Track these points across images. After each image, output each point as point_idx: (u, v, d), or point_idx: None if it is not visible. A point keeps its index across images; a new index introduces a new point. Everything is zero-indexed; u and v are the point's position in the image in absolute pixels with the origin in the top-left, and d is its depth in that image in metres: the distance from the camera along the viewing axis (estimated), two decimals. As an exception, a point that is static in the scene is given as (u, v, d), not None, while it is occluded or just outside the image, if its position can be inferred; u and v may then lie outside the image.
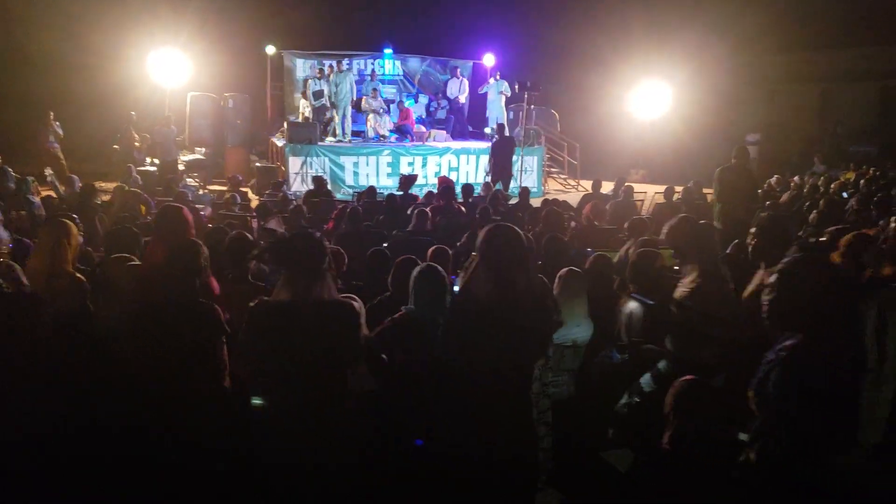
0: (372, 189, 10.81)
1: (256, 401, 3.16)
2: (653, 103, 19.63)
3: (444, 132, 18.46)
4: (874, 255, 4.37)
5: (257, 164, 16.39)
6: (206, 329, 3.27)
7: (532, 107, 17.86)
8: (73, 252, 3.79)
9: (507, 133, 14.70)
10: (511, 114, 18.44)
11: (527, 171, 16.89)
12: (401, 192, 11.25)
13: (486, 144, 15.97)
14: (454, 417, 3.09)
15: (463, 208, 9.87)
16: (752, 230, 4.75)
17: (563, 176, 19.11)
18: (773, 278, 2.60)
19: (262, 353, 3.07)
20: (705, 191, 11.98)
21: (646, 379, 3.71)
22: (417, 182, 15.05)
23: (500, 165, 13.61)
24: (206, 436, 3.26)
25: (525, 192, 10.58)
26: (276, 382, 3.08)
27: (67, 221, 3.86)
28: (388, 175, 15.78)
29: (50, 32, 15.77)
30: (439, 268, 3.94)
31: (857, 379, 2.59)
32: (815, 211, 9.02)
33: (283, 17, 18.52)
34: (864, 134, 22.71)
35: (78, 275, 3.79)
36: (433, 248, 5.49)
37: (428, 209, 9.52)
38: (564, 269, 4.73)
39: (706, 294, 3.76)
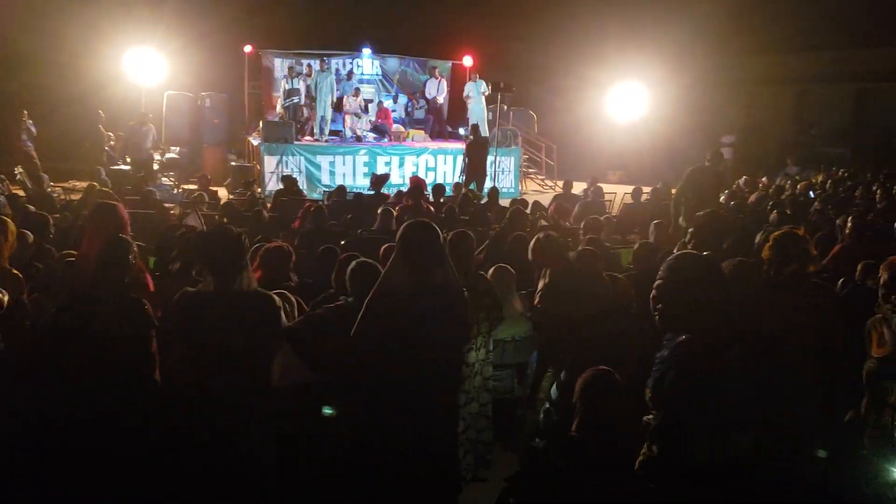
0: (341, 188, 10.86)
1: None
2: (630, 105, 19.77)
3: (423, 132, 18.54)
4: (800, 251, 4.46)
5: (232, 163, 16.41)
6: (133, 323, 3.33)
7: (506, 107, 17.95)
8: (10, 248, 3.83)
9: (481, 133, 14.76)
10: (491, 114, 18.53)
11: (504, 172, 17.02)
12: (372, 192, 11.34)
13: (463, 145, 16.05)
14: (371, 407, 3.16)
15: (432, 208, 9.95)
16: (690, 229, 4.86)
17: (540, 177, 19.23)
18: (657, 282, 2.69)
19: (185, 342, 3.17)
20: (674, 191, 12.09)
21: (553, 388, 3.81)
22: (394, 182, 15.15)
23: (474, 166, 13.69)
24: (134, 427, 3.31)
25: (494, 192, 10.67)
26: (197, 371, 3.16)
27: (3, 218, 3.90)
28: (365, 175, 15.80)
29: (22, 30, 15.69)
30: (375, 263, 4.01)
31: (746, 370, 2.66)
32: (775, 211, 9.14)
33: (262, 16, 18.50)
34: (838, 136, 22.96)
35: (14, 270, 3.83)
36: (385, 246, 5.56)
37: (396, 209, 9.61)
38: (493, 267, 4.83)
39: (549, 296, 4.28)
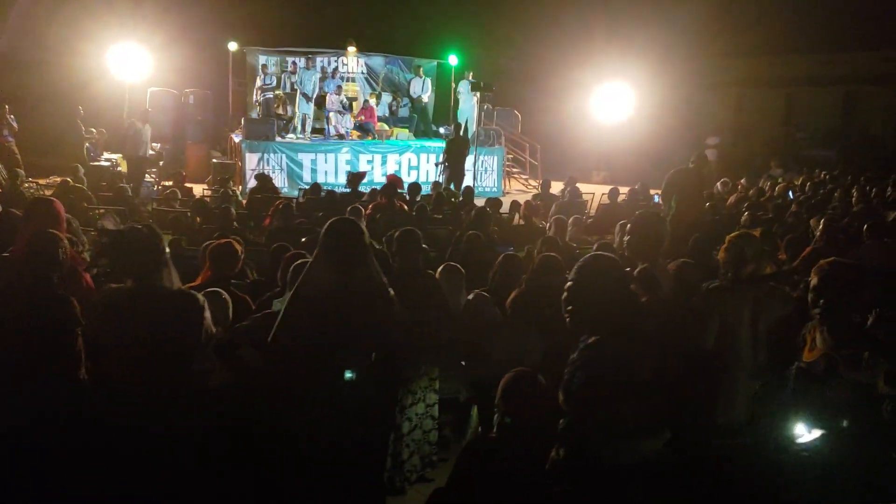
0: (315, 185, 10.85)
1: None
2: (616, 105, 19.74)
3: (407, 131, 18.51)
4: (756, 253, 4.46)
5: (214, 161, 16.37)
6: (57, 319, 3.30)
7: (488, 106, 17.94)
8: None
9: (463, 133, 14.72)
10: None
11: (487, 171, 17.04)
12: (349, 189, 11.31)
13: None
14: (289, 404, 3.15)
15: (406, 206, 9.92)
16: (628, 226, 4.85)
17: (524, 176, 19.22)
18: (568, 283, 2.68)
19: (106, 340, 3.14)
20: (653, 191, 12.09)
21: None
22: (376, 180, 15.12)
23: (453, 165, 13.63)
24: (56, 424, 3.29)
25: (469, 192, 10.65)
26: (118, 367, 3.14)
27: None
28: (347, 172, 15.78)
29: (4, 25, 15.62)
30: None
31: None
32: (747, 213, 9.15)
33: (246, 13, 18.42)
34: (825, 138, 22.99)
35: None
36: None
37: (369, 206, 9.61)
38: (442, 265, 4.81)
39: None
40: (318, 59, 18.88)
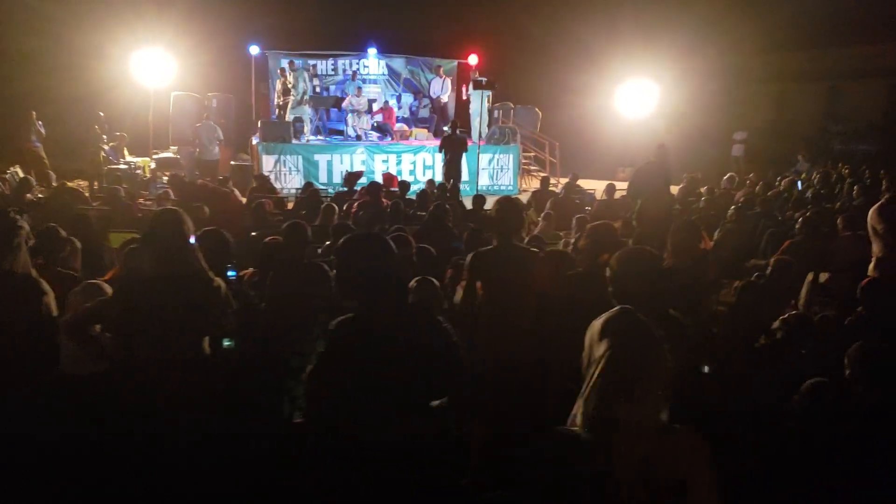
0: (307, 185, 11.02)
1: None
2: (642, 102, 19.36)
3: (427, 131, 18.59)
4: (612, 243, 4.42)
5: (232, 163, 16.72)
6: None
7: (494, 103, 17.93)
8: None
9: (459, 132, 14.74)
10: (496, 112, 18.60)
11: (503, 169, 17.00)
12: (346, 188, 11.46)
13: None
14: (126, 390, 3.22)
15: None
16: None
17: (542, 174, 19.03)
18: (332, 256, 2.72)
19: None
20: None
21: None
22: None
23: (449, 162, 13.63)
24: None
25: (455, 189, 10.67)
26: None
27: None
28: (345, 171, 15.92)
29: (31, 33, 16.25)
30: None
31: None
32: (733, 207, 8.94)
33: (268, 17, 18.77)
34: (868, 132, 22.16)
35: None
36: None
37: (356, 203, 9.73)
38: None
39: None
40: (340, 61, 19.20)
